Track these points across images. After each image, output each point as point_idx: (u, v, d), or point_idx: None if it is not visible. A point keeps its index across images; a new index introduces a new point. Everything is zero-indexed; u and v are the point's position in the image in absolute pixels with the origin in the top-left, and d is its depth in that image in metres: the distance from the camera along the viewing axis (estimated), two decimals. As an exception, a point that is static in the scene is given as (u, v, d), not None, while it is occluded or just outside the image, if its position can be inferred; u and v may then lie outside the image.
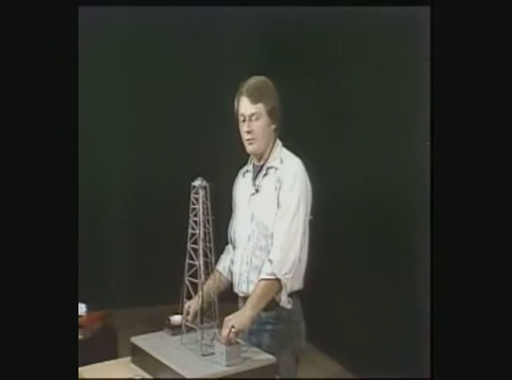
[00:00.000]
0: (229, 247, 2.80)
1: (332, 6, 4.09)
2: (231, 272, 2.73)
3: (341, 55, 4.50)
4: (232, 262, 2.73)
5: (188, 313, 2.52)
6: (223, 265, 2.77)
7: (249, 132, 2.59)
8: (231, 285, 2.72)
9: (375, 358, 4.11)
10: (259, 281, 2.48)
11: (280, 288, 2.49)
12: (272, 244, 2.53)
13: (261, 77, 2.66)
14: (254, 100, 2.56)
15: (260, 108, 2.57)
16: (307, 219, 2.57)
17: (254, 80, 2.64)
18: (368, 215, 4.31)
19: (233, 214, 2.78)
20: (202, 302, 2.41)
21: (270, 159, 2.62)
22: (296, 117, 4.60)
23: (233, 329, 2.32)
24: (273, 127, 2.62)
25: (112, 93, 5.62)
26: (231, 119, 2.68)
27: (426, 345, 2.04)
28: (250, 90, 2.58)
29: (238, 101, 2.62)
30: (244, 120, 2.59)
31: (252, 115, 2.57)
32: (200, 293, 2.41)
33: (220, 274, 2.74)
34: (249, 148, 2.63)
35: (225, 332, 2.31)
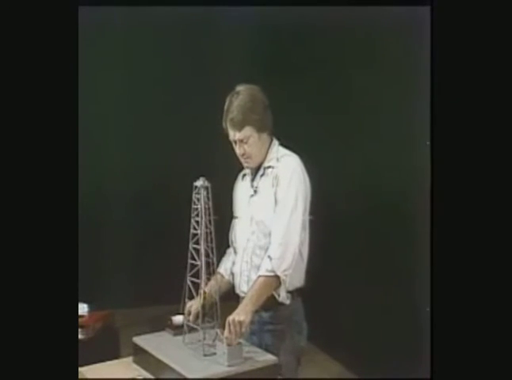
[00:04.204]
0: (230, 250, 2.80)
1: (332, 6, 4.08)
2: (232, 274, 2.73)
3: (341, 54, 4.51)
4: (234, 264, 2.73)
5: (189, 314, 2.52)
6: (224, 267, 2.77)
7: (243, 154, 2.59)
8: (232, 287, 2.73)
9: (375, 357, 4.11)
10: (258, 277, 2.48)
11: (279, 284, 2.49)
12: (271, 240, 2.52)
13: (243, 94, 2.54)
14: (240, 127, 2.53)
15: (247, 130, 2.54)
16: (307, 215, 2.57)
17: (236, 102, 2.53)
18: (369, 215, 4.31)
19: (233, 218, 2.78)
20: (204, 301, 2.41)
21: (267, 159, 2.62)
22: (295, 117, 4.61)
23: (236, 320, 2.32)
24: (266, 134, 2.60)
25: (112, 93, 5.62)
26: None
27: (426, 345, 2.04)
28: (233, 120, 2.53)
29: (226, 127, 2.57)
30: (236, 143, 2.59)
31: (241, 140, 2.56)
32: (201, 292, 2.41)
33: (222, 276, 2.74)
34: (246, 165, 2.65)
35: (228, 331, 2.31)
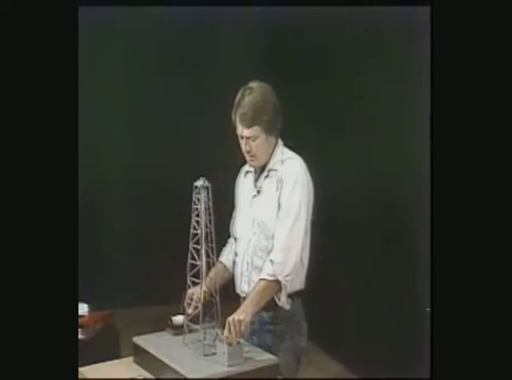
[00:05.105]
0: (232, 240, 2.80)
1: (332, 6, 4.09)
2: (233, 263, 2.73)
3: (341, 55, 4.51)
4: (236, 254, 2.72)
5: (191, 300, 2.51)
6: (226, 257, 2.78)
7: (248, 152, 2.59)
8: (233, 277, 2.73)
9: (375, 357, 4.11)
10: (259, 280, 2.49)
11: (280, 289, 2.50)
12: (273, 245, 2.53)
13: (257, 92, 2.54)
14: (249, 124, 2.52)
15: (256, 130, 2.53)
16: (309, 219, 2.58)
17: (248, 98, 2.52)
18: (369, 215, 4.31)
19: (235, 212, 2.79)
20: (204, 300, 2.41)
21: (271, 161, 2.61)
22: (296, 117, 4.61)
23: (236, 319, 2.32)
24: (273, 137, 2.60)
25: (112, 93, 5.62)
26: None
27: (426, 345, 2.04)
28: (244, 116, 2.51)
29: (235, 120, 2.57)
30: (242, 138, 2.58)
31: (249, 138, 2.55)
32: (202, 291, 2.41)
33: (224, 265, 2.75)
34: (250, 163, 2.65)
35: (228, 331, 2.31)
